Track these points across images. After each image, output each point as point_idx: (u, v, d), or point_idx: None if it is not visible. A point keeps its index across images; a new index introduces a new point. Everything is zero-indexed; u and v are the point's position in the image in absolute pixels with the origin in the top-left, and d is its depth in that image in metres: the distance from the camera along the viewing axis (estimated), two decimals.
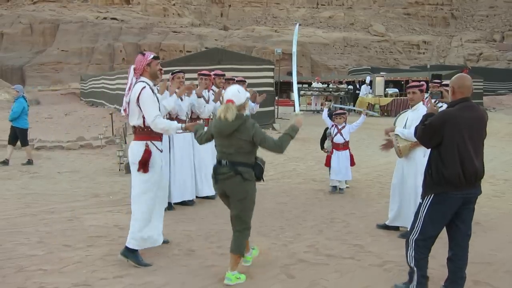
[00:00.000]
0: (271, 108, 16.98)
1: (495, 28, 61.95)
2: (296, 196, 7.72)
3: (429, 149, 4.12)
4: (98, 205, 6.91)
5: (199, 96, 7.15)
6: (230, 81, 8.19)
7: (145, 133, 4.89)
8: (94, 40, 44.96)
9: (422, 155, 5.53)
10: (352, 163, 8.09)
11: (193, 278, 4.40)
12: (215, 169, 4.31)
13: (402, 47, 57.08)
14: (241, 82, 8.46)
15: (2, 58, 41.07)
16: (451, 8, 67.34)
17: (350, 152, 8.09)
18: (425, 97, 5.90)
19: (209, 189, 7.52)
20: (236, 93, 4.22)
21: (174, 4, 57.45)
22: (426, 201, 3.89)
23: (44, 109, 24.56)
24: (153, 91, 4.88)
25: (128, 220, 6.16)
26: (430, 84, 7.85)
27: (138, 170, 4.82)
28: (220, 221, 6.29)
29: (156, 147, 4.93)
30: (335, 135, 8.04)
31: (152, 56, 4.97)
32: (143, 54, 4.99)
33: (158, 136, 4.98)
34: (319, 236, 5.72)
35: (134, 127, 4.93)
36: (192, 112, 7.20)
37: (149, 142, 4.87)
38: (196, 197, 7.37)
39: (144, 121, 4.85)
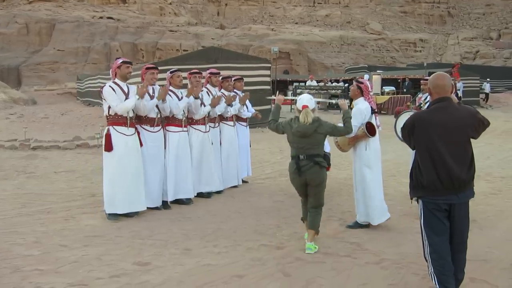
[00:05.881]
0: (268, 107, 16.92)
1: (491, 26, 62.06)
2: (293, 194, 7.67)
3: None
4: (94, 205, 6.87)
5: (196, 97, 7.08)
6: (228, 79, 8.12)
7: (109, 120, 6.20)
8: (90, 39, 44.65)
9: (364, 148, 5.66)
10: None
11: (190, 277, 4.40)
12: (297, 163, 5.02)
13: (399, 45, 57.07)
14: (239, 80, 8.43)
15: None
16: (448, 6, 67.41)
17: None
18: (418, 95, 5.91)
19: (207, 186, 7.49)
20: (309, 100, 5.10)
21: (170, 3, 57.24)
22: (419, 211, 3.84)
23: (41, 108, 24.48)
24: (121, 88, 6.15)
25: (125, 219, 6.21)
26: (421, 81, 7.88)
27: (104, 149, 6.14)
28: (217, 220, 6.29)
29: (117, 130, 6.13)
30: None
31: (121, 61, 6.23)
32: (116, 59, 6.32)
33: (121, 122, 6.14)
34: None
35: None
36: (188, 112, 7.14)
37: (110, 127, 6.16)
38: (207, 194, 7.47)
39: (108, 111, 6.15)
